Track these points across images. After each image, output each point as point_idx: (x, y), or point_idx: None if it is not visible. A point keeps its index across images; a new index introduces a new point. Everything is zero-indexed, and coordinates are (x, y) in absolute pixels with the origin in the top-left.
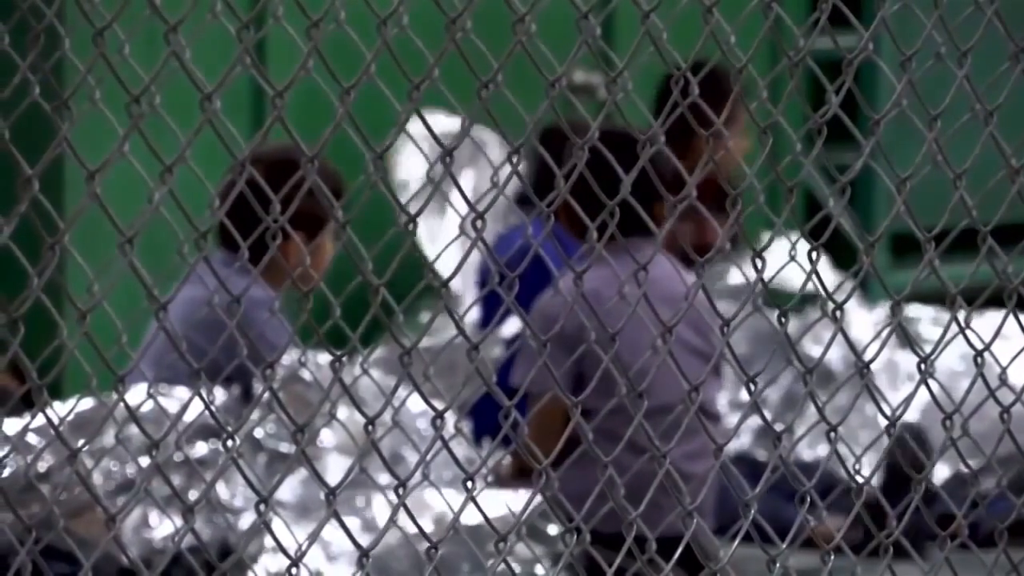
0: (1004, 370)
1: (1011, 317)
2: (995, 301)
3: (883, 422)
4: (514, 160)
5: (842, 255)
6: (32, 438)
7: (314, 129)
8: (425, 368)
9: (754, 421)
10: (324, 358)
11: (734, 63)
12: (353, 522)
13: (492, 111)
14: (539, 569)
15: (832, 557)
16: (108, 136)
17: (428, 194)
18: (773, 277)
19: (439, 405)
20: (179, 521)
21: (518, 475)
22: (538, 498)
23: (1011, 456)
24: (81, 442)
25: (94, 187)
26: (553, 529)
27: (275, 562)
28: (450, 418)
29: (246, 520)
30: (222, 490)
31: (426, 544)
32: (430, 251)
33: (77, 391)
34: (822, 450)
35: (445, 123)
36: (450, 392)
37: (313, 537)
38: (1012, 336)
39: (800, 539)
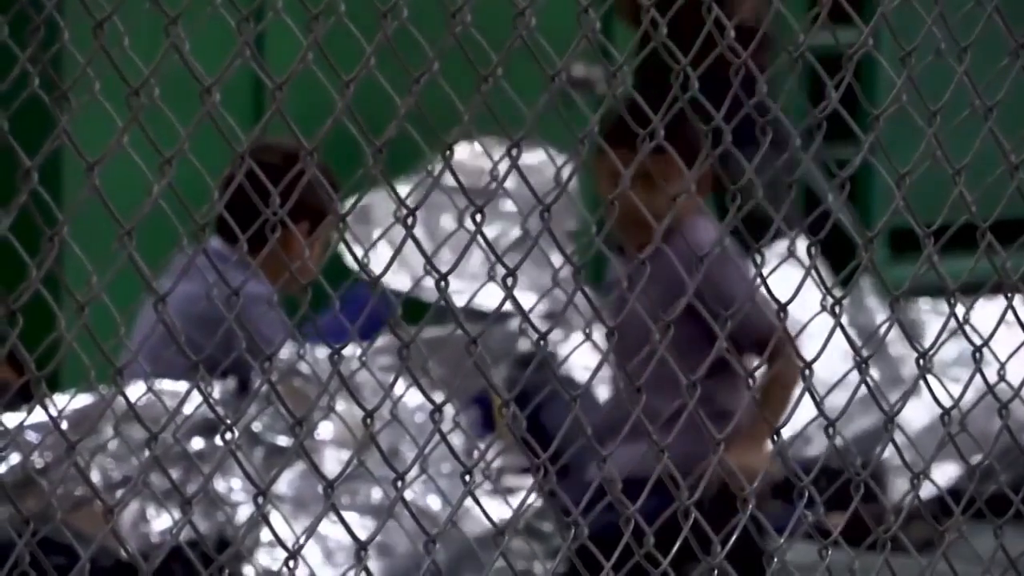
0: (1003, 365)
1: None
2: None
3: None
4: (513, 154)
5: (841, 251)
6: (30, 434)
7: (313, 122)
8: (424, 362)
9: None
10: (322, 351)
11: (734, 58)
12: (352, 516)
13: (491, 105)
14: (537, 567)
15: (830, 552)
16: (107, 128)
17: (427, 189)
18: (772, 272)
19: (441, 397)
20: (177, 514)
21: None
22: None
23: (1008, 450)
24: (80, 435)
25: (93, 179)
26: (549, 527)
27: (271, 556)
28: (449, 411)
29: (244, 513)
30: (220, 484)
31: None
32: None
33: (75, 384)
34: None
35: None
36: (458, 378)
37: (311, 530)
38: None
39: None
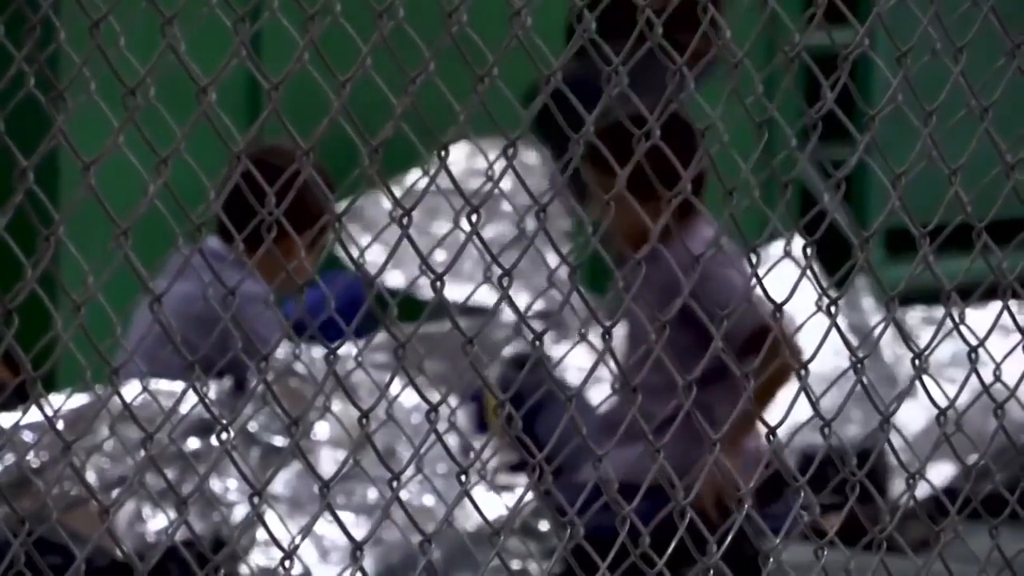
0: (998, 366)
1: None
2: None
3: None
4: (509, 153)
5: (837, 251)
6: (26, 434)
7: (310, 122)
8: (420, 361)
9: None
10: (318, 351)
11: (730, 57)
12: (348, 516)
13: (487, 105)
14: (532, 567)
15: (826, 552)
16: (104, 128)
17: (423, 189)
18: (768, 272)
19: (436, 395)
20: (173, 514)
21: None
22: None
23: (1004, 450)
24: (76, 435)
25: (90, 179)
26: (545, 526)
27: (267, 555)
28: (445, 411)
29: (239, 513)
30: (215, 484)
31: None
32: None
33: (71, 383)
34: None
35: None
36: (455, 376)
37: (306, 530)
38: (1005, 332)
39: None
